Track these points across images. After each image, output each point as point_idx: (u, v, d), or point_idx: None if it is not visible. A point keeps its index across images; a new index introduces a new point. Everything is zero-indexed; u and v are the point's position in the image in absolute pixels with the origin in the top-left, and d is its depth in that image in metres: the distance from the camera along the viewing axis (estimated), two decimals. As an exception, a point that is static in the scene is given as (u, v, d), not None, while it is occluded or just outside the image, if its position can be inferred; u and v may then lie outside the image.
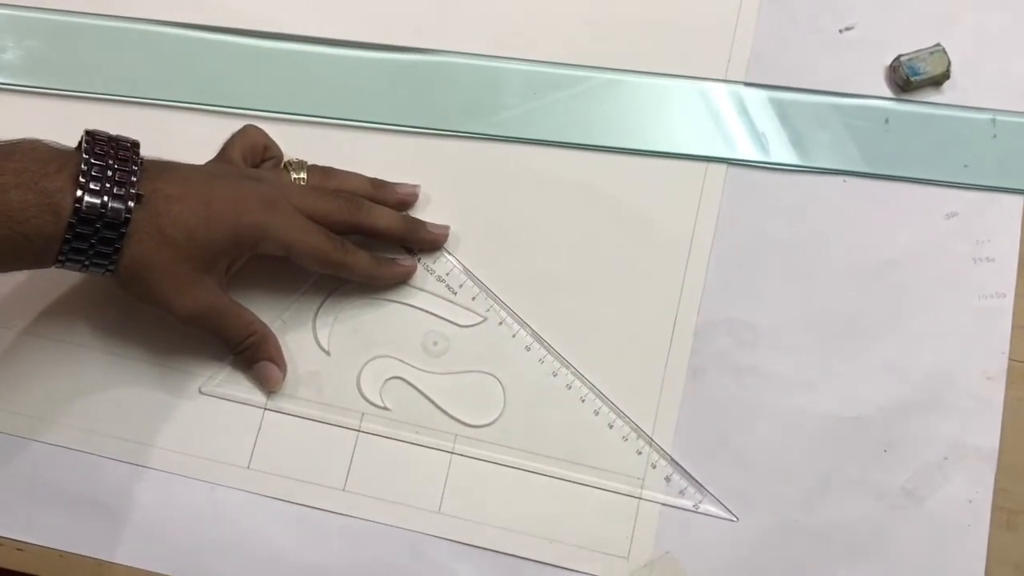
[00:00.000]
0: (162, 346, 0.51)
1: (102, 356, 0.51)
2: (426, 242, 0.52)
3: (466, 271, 0.52)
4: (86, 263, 0.44)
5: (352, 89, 0.55)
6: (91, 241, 0.43)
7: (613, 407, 0.51)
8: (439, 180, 0.53)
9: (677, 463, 0.50)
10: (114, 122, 0.53)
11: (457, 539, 0.49)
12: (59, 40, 0.55)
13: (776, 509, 0.50)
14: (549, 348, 0.51)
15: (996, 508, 0.50)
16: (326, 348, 0.51)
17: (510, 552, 0.49)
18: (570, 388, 0.51)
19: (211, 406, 0.50)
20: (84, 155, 0.43)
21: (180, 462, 0.50)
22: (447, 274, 0.52)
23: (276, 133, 0.53)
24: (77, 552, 0.49)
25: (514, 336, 0.51)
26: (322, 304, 0.52)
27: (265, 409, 0.50)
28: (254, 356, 0.49)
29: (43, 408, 0.50)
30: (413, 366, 0.51)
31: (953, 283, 0.53)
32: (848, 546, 0.49)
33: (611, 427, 0.50)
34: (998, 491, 0.50)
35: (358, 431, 0.50)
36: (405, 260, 0.52)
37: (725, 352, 0.52)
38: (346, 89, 0.55)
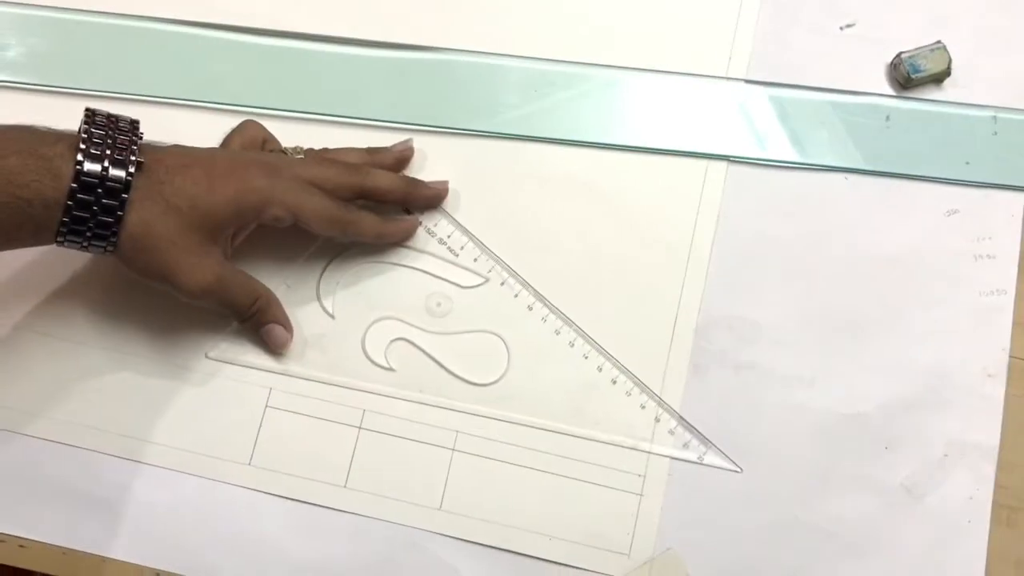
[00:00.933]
0: (161, 340, 0.51)
1: (102, 352, 0.51)
2: (427, 198, 0.52)
3: (467, 233, 0.53)
4: (88, 235, 0.43)
5: (354, 87, 0.55)
6: (92, 209, 0.42)
7: (616, 363, 0.51)
8: (440, 178, 0.53)
9: (681, 416, 0.50)
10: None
11: (458, 535, 0.49)
12: (61, 38, 0.55)
13: (776, 505, 0.50)
14: (552, 307, 0.52)
15: (996, 505, 0.50)
16: (331, 312, 0.52)
17: (512, 549, 0.49)
18: (573, 346, 0.51)
19: (212, 404, 0.50)
20: (84, 126, 0.43)
21: (182, 459, 0.50)
22: (448, 236, 0.53)
23: (277, 130, 0.53)
24: (79, 549, 0.49)
25: (516, 296, 0.52)
26: (326, 268, 0.52)
27: (267, 406, 0.50)
28: (261, 320, 0.49)
29: (43, 404, 0.50)
30: (417, 327, 0.51)
31: (954, 280, 0.53)
32: (849, 543, 0.49)
33: (615, 383, 0.51)
34: (998, 488, 0.50)
35: (359, 428, 0.50)
36: (408, 217, 0.52)
37: (726, 349, 0.52)
38: (348, 87, 0.55)
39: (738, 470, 0.50)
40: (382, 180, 0.50)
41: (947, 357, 0.52)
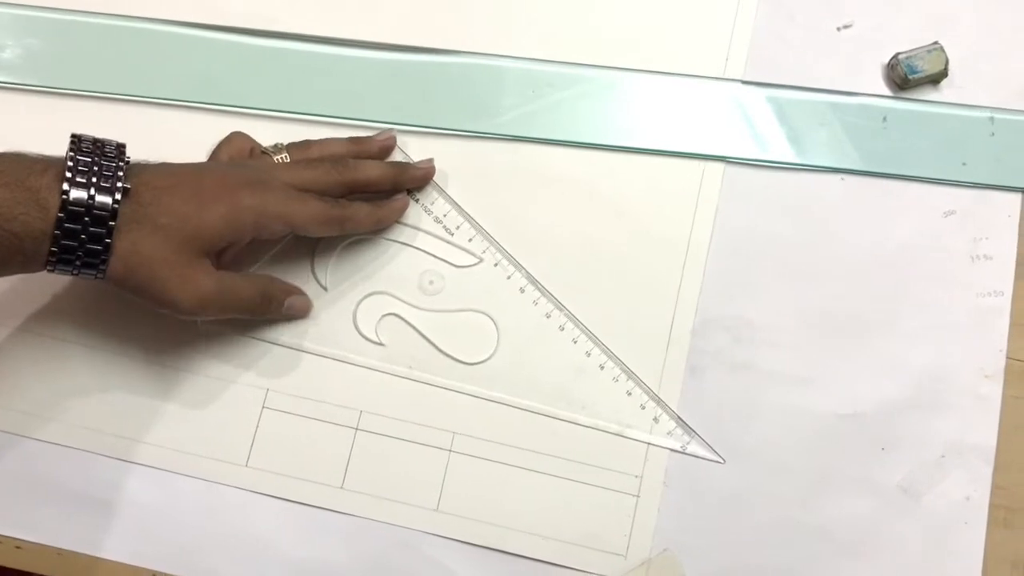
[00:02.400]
0: (160, 343, 0.51)
1: (99, 353, 0.51)
2: (417, 179, 0.53)
3: (463, 213, 0.53)
4: (77, 263, 0.43)
5: (353, 88, 0.55)
6: (80, 237, 0.42)
7: (606, 349, 0.51)
8: (438, 179, 0.53)
9: (667, 405, 0.50)
10: (112, 120, 0.54)
11: (455, 536, 0.49)
12: (58, 38, 0.55)
13: (773, 506, 0.50)
14: (544, 291, 0.52)
15: (993, 506, 0.50)
16: (324, 284, 0.52)
17: (508, 550, 0.49)
18: (563, 330, 0.52)
19: (209, 405, 0.50)
20: (70, 153, 0.43)
21: (178, 460, 0.50)
22: (444, 216, 0.53)
23: (275, 132, 0.53)
24: (75, 550, 0.49)
25: (509, 278, 0.52)
26: (319, 242, 0.52)
27: (264, 407, 0.50)
28: (278, 304, 0.50)
29: (41, 406, 0.50)
30: (409, 304, 0.52)
31: (951, 281, 0.53)
32: (846, 544, 0.49)
33: (603, 368, 0.51)
34: (995, 489, 0.50)
35: (356, 429, 0.50)
36: (399, 196, 0.53)
37: (723, 349, 0.52)
38: (347, 88, 0.55)
39: (720, 461, 0.50)
40: (371, 171, 0.51)
41: (944, 358, 0.52)
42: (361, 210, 0.50)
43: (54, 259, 0.43)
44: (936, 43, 0.55)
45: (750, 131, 0.54)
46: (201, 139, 0.51)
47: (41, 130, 0.51)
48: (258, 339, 0.51)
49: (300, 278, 0.52)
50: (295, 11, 0.56)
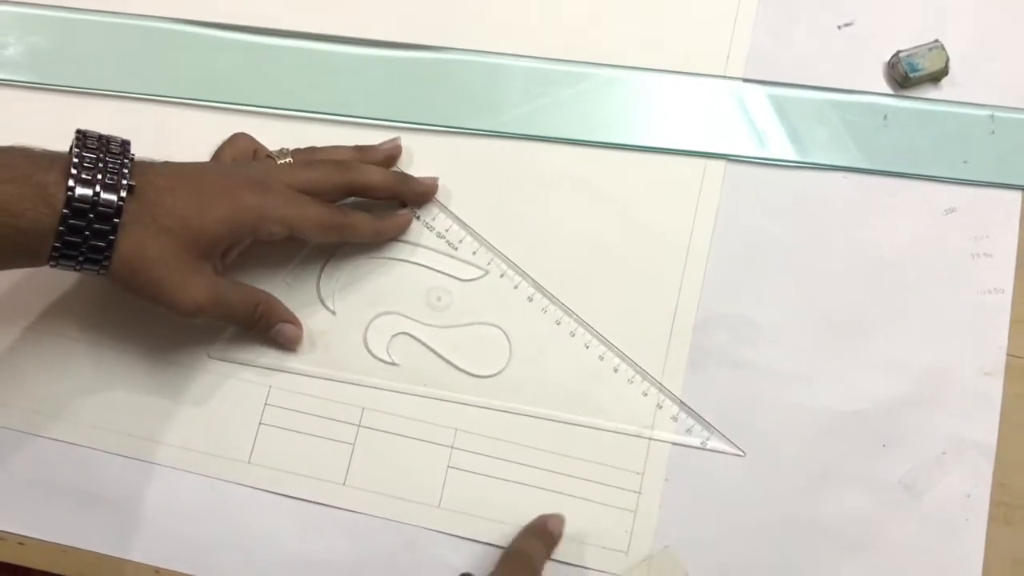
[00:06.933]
0: (162, 340, 0.51)
1: (102, 351, 0.51)
2: (418, 194, 0.53)
3: (465, 227, 0.53)
4: (80, 259, 0.43)
5: (355, 86, 0.55)
6: (84, 234, 0.42)
7: (618, 352, 0.51)
8: (440, 176, 0.53)
9: (683, 402, 0.50)
10: (115, 118, 0.54)
11: (457, 533, 0.49)
12: (61, 36, 0.55)
13: (775, 502, 0.50)
14: (552, 298, 0.52)
15: (994, 503, 0.50)
16: (332, 308, 0.52)
17: (510, 546, 0.49)
18: (574, 335, 0.51)
19: (212, 402, 0.51)
20: (75, 149, 0.43)
21: (181, 457, 0.50)
22: (447, 230, 0.53)
23: (278, 130, 0.53)
24: (79, 547, 0.49)
25: (516, 288, 0.52)
26: (325, 265, 0.52)
27: (267, 404, 0.51)
28: (268, 324, 0.50)
29: (45, 403, 0.50)
30: (418, 321, 0.52)
31: (952, 278, 0.53)
32: (847, 541, 0.50)
33: (616, 371, 0.51)
34: (996, 486, 0.50)
35: (358, 425, 0.50)
36: (402, 211, 0.53)
37: (724, 347, 0.52)
38: (349, 86, 0.55)
39: (741, 454, 0.50)
40: (373, 176, 0.51)
41: (945, 355, 0.52)
42: (362, 219, 0.50)
43: (57, 254, 0.43)
44: (937, 41, 0.55)
45: (751, 129, 0.55)
46: (204, 136, 0.51)
47: (45, 128, 0.51)
48: (268, 368, 0.51)
49: (307, 303, 0.52)
50: (298, 9, 0.56)
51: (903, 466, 0.50)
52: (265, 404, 0.51)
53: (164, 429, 0.50)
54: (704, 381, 0.51)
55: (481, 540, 0.49)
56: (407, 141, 0.54)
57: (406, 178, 0.52)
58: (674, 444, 0.50)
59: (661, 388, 0.51)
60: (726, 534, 0.50)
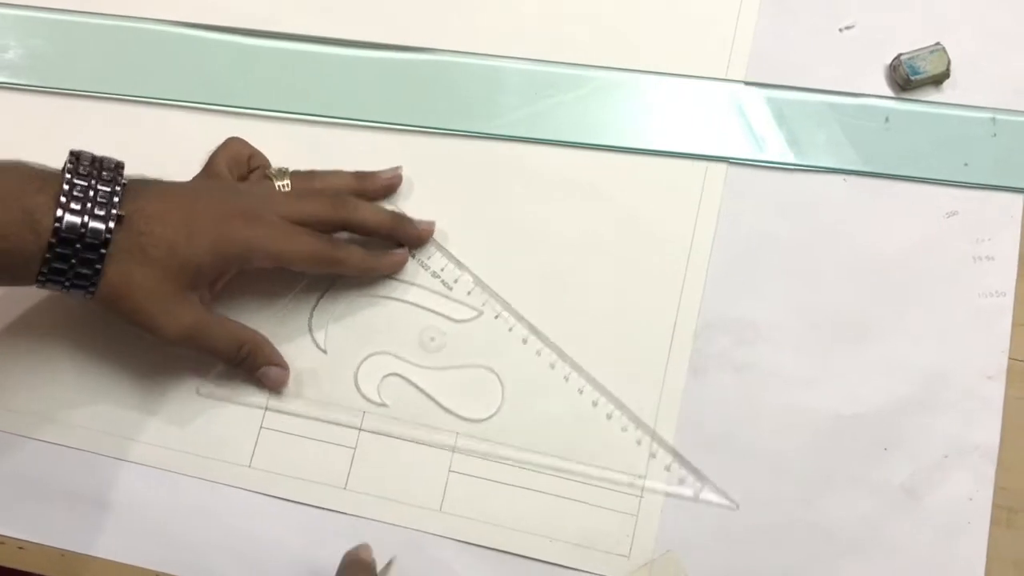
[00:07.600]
0: (161, 344, 0.51)
1: (102, 353, 0.51)
2: (413, 236, 0.52)
3: (461, 266, 0.52)
4: (67, 284, 0.43)
5: (352, 88, 0.55)
6: (71, 261, 0.42)
7: (611, 397, 0.51)
8: (439, 179, 0.53)
9: (677, 452, 0.50)
10: (114, 120, 0.54)
11: (458, 538, 0.49)
12: (61, 39, 0.55)
13: (776, 506, 0.50)
14: (546, 340, 0.51)
15: (996, 506, 0.50)
16: (323, 347, 0.51)
17: (511, 551, 0.49)
18: (568, 380, 0.51)
19: (213, 404, 0.50)
20: (67, 175, 0.43)
21: (181, 461, 0.50)
22: (442, 270, 0.52)
23: (275, 133, 0.53)
24: (78, 551, 0.49)
25: (511, 330, 0.52)
26: (317, 303, 0.52)
27: (266, 409, 0.50)
28: (253, 364, 0.49)
29: (44, 406, 0.50)
30: (410, 362, 0.51)
31: (953, 282, 0.53)
32: (848, 544, 0.49)
33: (610, 418, 0.50)
34: (998, 489, 0.50)
35: (359, 429, 0.50)
36: (397, 250, 0.52)
37: (725, 351, 0.52)
38: (346, 88, 0.55)
39: (734, 507, 0.50)
40: (368, 215, 0.50)
41: (946, 359, 0.52)
42: (355, 254, 0.50)
43: (43, 278, 0.43)
44: (938, 44, 0.55)
45: (752, 132, 0.55)
46: (202, 139, 0.51)
47: (44, 131, 0.52)
48: (257, 407, 0.50)
49: (298, 341, 0.51)
50: (295, 11, 0.56)
51: (905, 469, 0.50)
52: (266, 408, 0.50)
53: (165, 433, 0.50)
54: (705, 384, 0.51)
55: (482, 544, 0.49)
56: (403, 143, 0.54)
57: (402, 219, 0.52)
58: (667, 495, 0.50)
59: (655, 436, 0.50)
60: (727, 538, 0.49)
